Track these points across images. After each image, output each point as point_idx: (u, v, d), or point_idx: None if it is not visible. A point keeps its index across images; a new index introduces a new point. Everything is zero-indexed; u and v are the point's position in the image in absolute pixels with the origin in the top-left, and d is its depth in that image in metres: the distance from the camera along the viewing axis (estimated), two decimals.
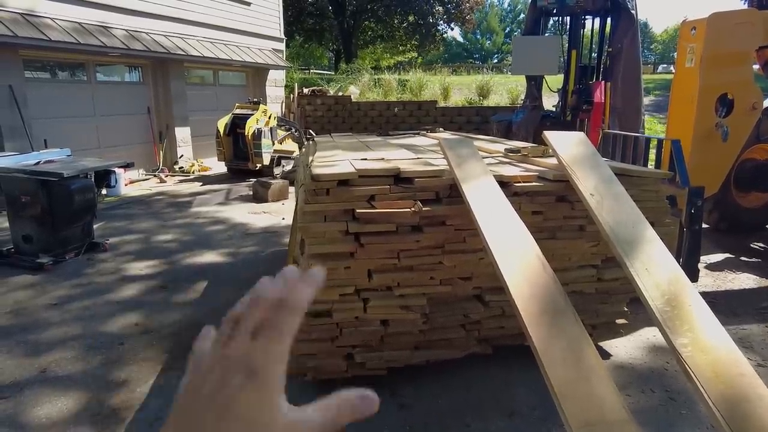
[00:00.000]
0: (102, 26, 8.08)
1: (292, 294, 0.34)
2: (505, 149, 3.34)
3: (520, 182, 2.57)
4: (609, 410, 1.51)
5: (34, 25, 7.01)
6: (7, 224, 4.87)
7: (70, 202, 4.54)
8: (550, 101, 8.18)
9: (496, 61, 39.75)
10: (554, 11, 6.93)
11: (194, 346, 0.36)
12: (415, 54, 29.07)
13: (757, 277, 4.26)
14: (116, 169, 5.57)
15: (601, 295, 2.90)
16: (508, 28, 48.83)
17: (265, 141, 8.72)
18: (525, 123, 7.15)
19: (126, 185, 8.27)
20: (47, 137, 7.26)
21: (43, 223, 4.54)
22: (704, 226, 4.23)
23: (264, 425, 0.31)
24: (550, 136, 2.81)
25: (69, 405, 2.59)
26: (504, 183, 2.52)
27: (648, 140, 3.98)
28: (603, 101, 6.31)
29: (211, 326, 0.37)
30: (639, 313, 2.95)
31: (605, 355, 3.00)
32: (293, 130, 9.39)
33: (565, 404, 1.50)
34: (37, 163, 4.77)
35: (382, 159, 2.88)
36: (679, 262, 3.31)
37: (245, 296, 0.36)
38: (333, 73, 22.45)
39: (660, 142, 4.19)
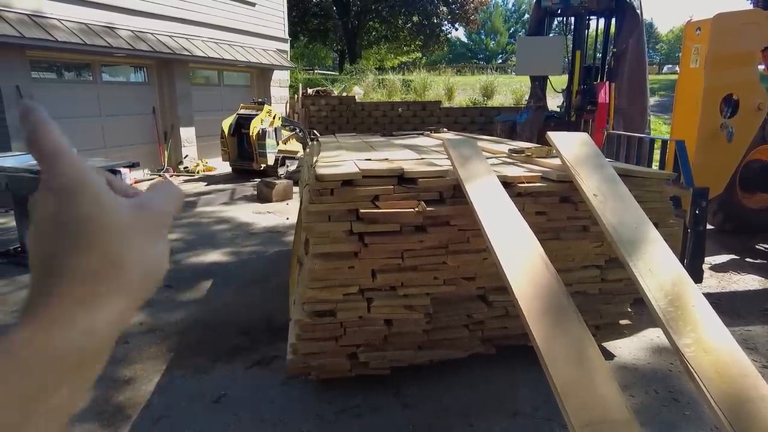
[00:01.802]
0: (108, 27, 8.13)
1: (25, 121, 0.34)
2: (509, 150, 3.34)
3: (523, 183, 2.57)
4: (611, 410, 1.52)
5: (41, 25, 7.06)
6: (14, 223, 4.91)
7: None
8: (554, 102, 8.17)
9: (500, 61, 39.72)
10: (559, 11, 6.92)
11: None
12: (419, 54, 29.06)
13: (762, 279, 4.25)
14: (121, 169, 5.59)
15: (605, 295, 2.90)
16: (512, 29, 48.75)
17: (270, 141, 8.75)
18: (529, 123, 7.14)
19: (131, 185, 8.31)
20: None
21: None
22: (709, 227, 4.22)
23: (98, 223, 0.32)
24: (554, 136, 2.82)
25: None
26: (508, 183, 2.53)
27: (652, 141, 3.98)
28: (607, 102, 6.30)
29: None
30: (643, 313, 2.94)
31: (609, 355, 3.00)
32: (297, 130, 9.41)
33: (568, 404, 1.50)
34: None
35: (386, 159, 2.89)
36: (683, 263, 3.30)
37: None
38: (337, 73, 22.48)
39: (664, 142, 4.18)
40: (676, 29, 45.74)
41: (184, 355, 3.08)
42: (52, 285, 0.31)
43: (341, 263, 2.42)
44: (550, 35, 7.36)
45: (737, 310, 3.61)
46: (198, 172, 9.84)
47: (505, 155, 3.32)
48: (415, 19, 25.71)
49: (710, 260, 4.49)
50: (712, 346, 1.64)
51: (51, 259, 0.32)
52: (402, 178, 2.52)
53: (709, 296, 3.09)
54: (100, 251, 0.32)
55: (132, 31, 8.55)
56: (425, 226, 2.47)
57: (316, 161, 2.87)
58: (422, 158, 3.01)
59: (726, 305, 3.65)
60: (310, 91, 12.55)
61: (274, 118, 9.25)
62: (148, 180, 9.15)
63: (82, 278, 0.31)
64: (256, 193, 7.72)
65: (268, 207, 7.04)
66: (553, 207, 2.62)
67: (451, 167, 2.59)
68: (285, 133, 9.38)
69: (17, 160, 4.88)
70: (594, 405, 1.52)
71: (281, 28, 12.96)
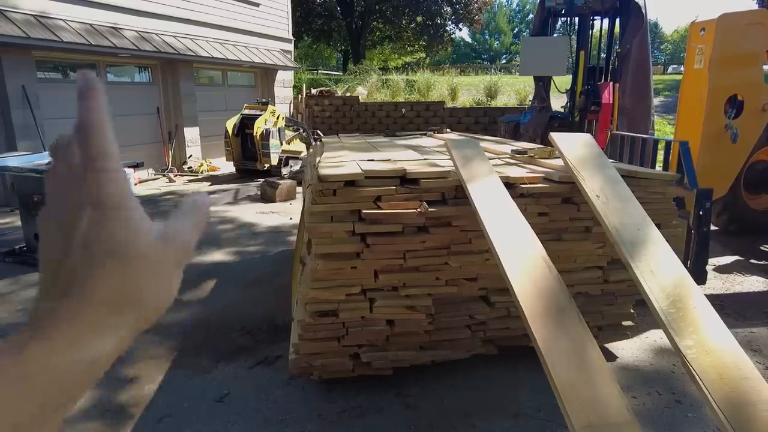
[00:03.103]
0: (113, 27, 8.17)
1: (81, 117, 0.32)
2: (512, 150, 3.34)
3: (526, 183, 2.57)
4: (613, 411, 1.52)
5: (47, 26, 7.10)
6: (19, 222, 4.94)
7: None
8: (558, 102, 8.15)
9: (504, 61, 39.62)
10: (563, 12, 6.90)
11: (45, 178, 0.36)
12: (423, 54, 29.06)
13: (766, 280, 4.23)
14: (126, 169, 5.62)
15: (607, 296, 2.89)
16: (516, 29, 48.68)
17: (273, 141, 8.77)
18: (533, 124, 7.13)
19: (135, 185, 8.36)
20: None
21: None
22: (713, 228, 4.20)
23: (129, 247, 0.31)
24: (557, 137, 2.81)
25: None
26: (510, 184, 2.53)
27: (656, 142, 3.96)
28: (611, 102, 6.27)
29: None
30: (645, 315, 2.94)
31: (611, 356, 2.99)
32: (301, 130, 9.43)
33: (569, 405, 1.51)
34: (49, 163, 4.83)
35: (389, 160, 2.90)
36: (687, 265, 3.30)
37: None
38: (341, 73, 22.51)
39: (668, 143, 4.17)
40: (681, 29, 45.56)
41: (188, 354, 3.10)
42: (68, 304, 0.30)
43: (344, 263, 2.42)
44: (555, 36, 7.34)
45: (741, 311, 3.60)
46: (202, 172, 9.87)
47: (507, 156, 3.32)
48: (419, 19, 25.70)
49: (714, 261, 4.48)
50: (714, 348, 1.64)
51: (71, 275, 0.31)
52: (404, 179, 2.52)
53: (713, 298, 3.09)
54: (125, 279, 0.31)
55: (137, 31, 8.59)
56: (427, 227, 2.47)
57: (319, 162, 2.88)
58: (425, 159, 3.01)
59: (730, 307, 3.63)
60: (313, 91, 12.57)
61: (278, 118, 9.27)
62: (153, 180, 9.19)
63: (101, 303, 0.31)
64: (259, 193, 7.74)
65: (271, 207, 7.06)
66: (556, 208, 2.62)
67: (454, 168, 2.59)
68: (289, 134, 9.40)
69: (23, 159, 4.91)
70: (595, 406, 1.53)
71: (285, 29, 12.99)
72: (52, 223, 0.33)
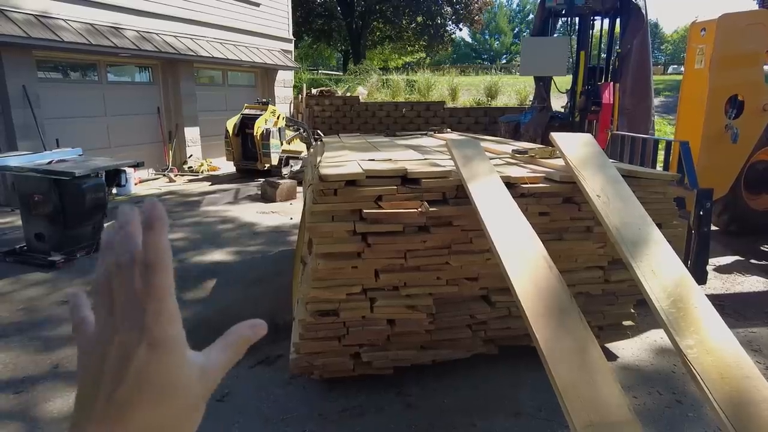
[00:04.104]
0: (113, 27, 8.17)
1: (150, 253, 0.33)
2: (512, 150, 3.34)
3: (526, 183, 2.57)
4: (613, 411, 1.52)
5: (47, 26, 7.10)
6: (20, 222, 4.94)
7: (81, 200, 4.60)
8: (558, 102, 8.15)
9: (504, 61, 39.61)
10: (563, 12, 6.90)
11: (76, 328, 0.36)
12: (423, 55, 29.06)
13: (767, 280, 4.23)
14: (126, 169, 5.63)
15: (608, 296, 2.90)
16: (516, 29, 48.67)
17: (274, 141, 8.78)
18: (533, 124, 7.13)
19: (136, 184, 8.36)
20: (59, 137, 7.35)
21: (55, 221, 4.60)
22: (714, 228, 4.20)
23: (176, 386, 0.33)
24: (557, 137, 2.82)
25: None
26: (511, 184, 2.53)
27: (656, 142, 3.96)
28: (612, 102, 6.28)
29: (81, 294, 0.37)
30: (646, 315, 2.94)
31: (612, 356, 2.99)
32: (301, 130, 9.43)
33: (570, 404, 1.51)
34: (50, 163, 4.84)
35: (390, 160, 2.90)
36: (687, 265, 3.30)
37: (100, 265, 0.35)
38: (341, 73, 22.51)
39: (669, 143, 4.17)
40: (681, 29, 45.55)
41: None
42: (109, 427, 0.31)
43: (344, 263, 2.43)
44: (555, 36, 7.34)
45: (741, 311, 3.60)
46: (202, 172, 9.88)
47: (508, 156, 3.32)
48: (419, 19, 25.71)
49: (714, 261, 4.48)
50: (715, 348, 1.64)
51: (117, 405, 0.32)
52: (405, 179, 2.53)
53: (713, 298, 3.09)
54: (164, 415, 0.33)
55: (137, 31, 8.59)
56: (428, 227, 2.48)
57: (320, 161, 2.88)
58: (425, 159, 3.02)
59: (730, 307, 3.63)
60: (314, 91, 12.57)
61: (278, 118, 9.27)
62: (153, 179, 9.19)
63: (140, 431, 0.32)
64: (260, 192, 7.74)
65: (272, 207, 7.06)
66: (556, 208, 2.62)
67: (455, 168, 2.59)
68: (289, 133, 9.40)
69: (23, 159, 4.91)
70: (596, 406, 1.53)
71: (285, 29, 12.99)
72: (99, 345, 0.34)
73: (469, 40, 47.87)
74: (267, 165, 8.80)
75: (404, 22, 25.77)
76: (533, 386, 2.66)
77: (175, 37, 9.37)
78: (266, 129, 8.68)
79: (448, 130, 5.62)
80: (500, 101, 13.32)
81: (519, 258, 2.00)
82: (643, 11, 6.26)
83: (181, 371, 0.33)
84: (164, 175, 9.35)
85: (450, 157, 2.77)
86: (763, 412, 1.47)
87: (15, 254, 4.75)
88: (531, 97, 9.56)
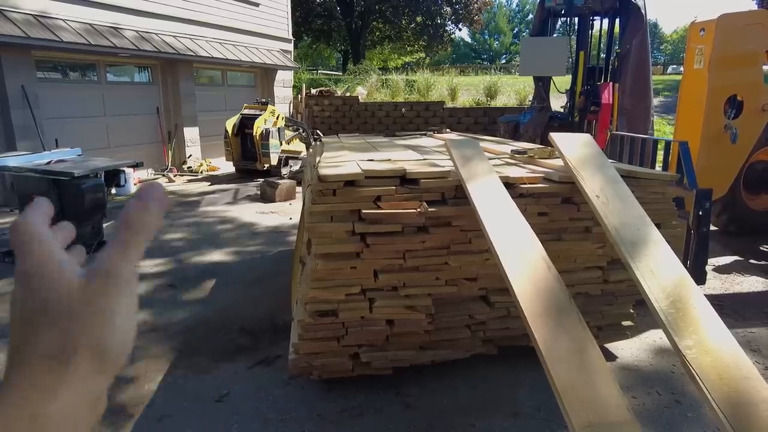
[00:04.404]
0: (113, 27, 8.17)
1: (133, 218, 0.35)
2: (511, 150, 3.34)
3: (525, 183, 2.57)
4: (612, 411, 1.52)
5: (47, 26, 7.10)
6: None
7: (80, 201, 4.60)
8: (558, 102, 8.15)
9: (504, 61, 39.60)
10: (562, 12, 6.90)
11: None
12: (422, 55, 29.05)
13: (766, 280, 4.23)
14: (126, 169, 5.62)
15: (607, 296, 2.90)
16: (516, 29, 48.68)
17: (273, 141, 8.77)
18: (533, 124, 7.13)
19: (135, 185, 8.35)
20: (58, 137, 7.35)
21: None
22: (713, 228, 4.21)
23: (46, 303, 0.32)
24: (556, 137, 2.82)
25: None
26: (510, 184, 2.53)
27: (656, 142, 3.97)
28: (611, 102, 6.28)
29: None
30: (645, 315, 2.94)
31: (611, 356, 2.99)
32: (301, 130, 9.43)
33: (568, 404, 1.51)
34: (49, 163, 4.84)
35: (389, 160, 2.90)
36: (686, 265, 3.30)
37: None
38: (341, 73, 22.51)
39: (668, 143, 4.17)
40: (680, 29, 45.57)
41: (187, 354, 3.10)
42: (13, 370, 0.32)
43: (343, 263, 2.43)
44: (554, 36, 7.34)
45: (741, 311, 3.60)
46: (202, 172, 9.87)
47: (507, 156, 3.32)
48: (418, 19, 25.71)
49: (714, 262, 4.48)
50: (714, 348, 1.64)
51: (17, 344, 0.32)
52: (404, 179, 2.52)
53: (712, 298, 3.09)
54: (55, 337, 0.32)
55: (137, 31, 8.59)
56: (427, 227, 2.47)
57: (319, 161, 2.88)
58: (424, 159, 3.01)
59: (729, 307, 3.64)
60: (313, 91, 12.57)
61: (277, 118, 9.27)
62: (152, 180, 9.19)
63: (39, 363, 0.32)
64: (259, 193, 7.74)
65: (271, 207, 7.06)
66: (555, 208, 2.62)
67: (454, 168, 2.59)
68: (288, 134, 9.40)
69: (22, 159, 4.91)
70: (595, 406, 1.53)
71: (285, 29, 12.98)
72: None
73: (468, 40, 47.91)
74: (266, 165, 8.80)
75: (404, 22, 25.77)
76: (532, 386, 2.66)
77: (174, 37, 9.36)
78: (265, 129, 8.68)
79: (447, 130, 5.62)
80: (499, 101, 13.32)
81: (518, 258, 2.00)
82: (643, 11, 6.27)
83: (54, 293, 0.33)
84: (163, 176, 9.34)
85: (449, 157, 2.77)
86: (762, 412, 1.47)
87: (12, 255, 4.71)
88: (530, 97, 9.56)
